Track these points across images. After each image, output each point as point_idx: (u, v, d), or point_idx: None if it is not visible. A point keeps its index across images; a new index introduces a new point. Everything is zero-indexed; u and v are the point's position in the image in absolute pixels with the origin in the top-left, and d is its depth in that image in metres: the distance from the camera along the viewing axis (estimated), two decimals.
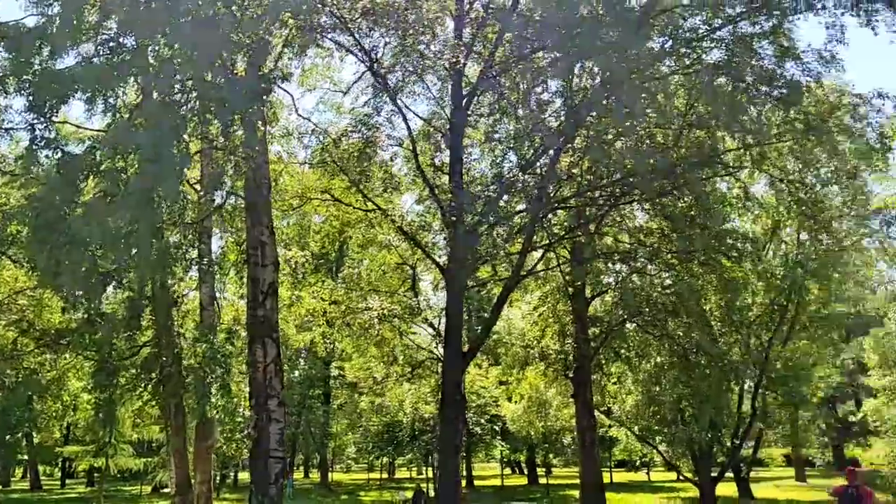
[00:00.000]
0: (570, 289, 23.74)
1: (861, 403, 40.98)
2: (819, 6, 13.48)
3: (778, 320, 26.42)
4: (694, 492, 31.29)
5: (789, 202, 17.72)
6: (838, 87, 15.99)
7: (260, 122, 13.37)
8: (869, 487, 14.45)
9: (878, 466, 31.82)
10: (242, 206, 15.56)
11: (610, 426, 32.96)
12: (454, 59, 15.77)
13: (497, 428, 41.09)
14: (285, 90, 16.57)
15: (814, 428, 37.05)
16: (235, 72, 13.42)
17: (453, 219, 15.94)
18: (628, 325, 23.14)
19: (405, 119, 16.67)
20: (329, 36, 15.87)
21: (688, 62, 15.46)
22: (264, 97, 13.03)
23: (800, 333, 27.65)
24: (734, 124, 14.39)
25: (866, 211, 20.62)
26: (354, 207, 18.57)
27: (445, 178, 17.86)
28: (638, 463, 50.32)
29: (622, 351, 24.51)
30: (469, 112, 17.42)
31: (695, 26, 15.46)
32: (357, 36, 15.29)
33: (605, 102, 14.79)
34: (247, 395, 15.84)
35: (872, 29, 12.77)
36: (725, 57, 14.30)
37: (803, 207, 16.52)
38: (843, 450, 48.32)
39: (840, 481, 31.99)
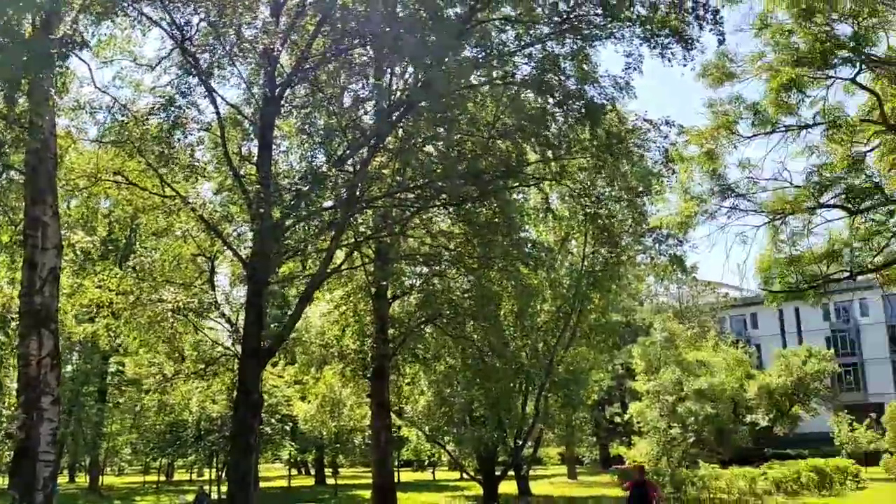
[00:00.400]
0: (372, 289, 23.87)
1: (627, 406, 45.16)
2: (618, 35, 14.67)
3: (562, 327, 28.41)
4: (478, 490, 32.71)
5: (584, 215, 19.10)
6: (632, 111, 17.56)
7: (53, 92, 12.03)
8: (651, 481, 16.28)
9: (639, 463, 35.15)
10: (21, 181, 13.91)
11: (400, 427, 33.58)
12: (270, 46, 15.26)
13: (288, 428, 40.27)
14: (82, 59, 15.04)
15: (586, 428, 40.24)
16: (23, 32, 12.00)
17: (260, 211, 15.40)
18: (427, 327, 23.69)
19: (214, 103, 15.84)
20: (135, 5, 14.69)
21: (497, 75, 16.16)
22: (58, 64, 11.74)
23: (580, 340, 29.89)
24: (539, 138, 15.22)
25: (642, 229, 22.74)
26: (151, 192, 17.30)
27: (253, 168, 17.25)
28: (427, 462, 51.65)
29: (419, 352, 25.05)
30: (282, 103, 16.96)
31: (507, 40, 16.18)
32: (168, 9, 14.28)
33: (421, 105, 15.03)
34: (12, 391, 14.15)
35: (668, 60, 14.17)
36: (535, 73, 15.10)
37: (598, 221, 17.89)
38: (608, 449, 52.87)
39: (606, 478, 34.80)
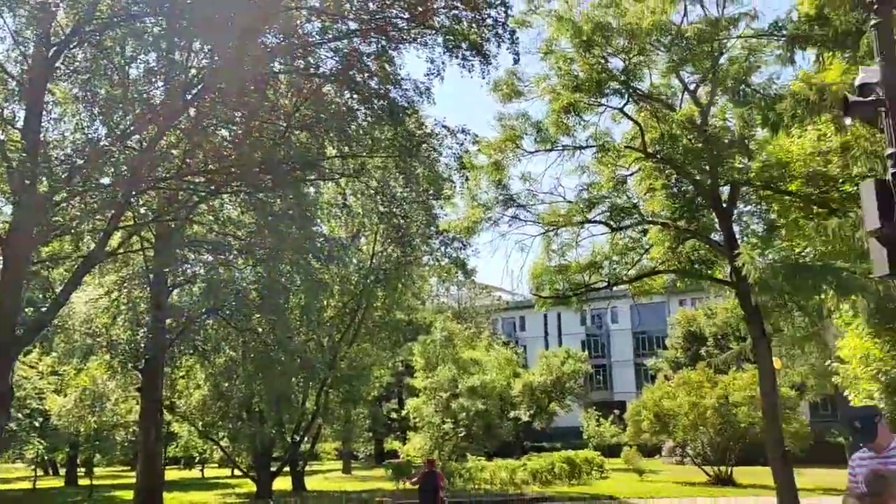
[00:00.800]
0: (151, 275, 22.41)
1: (404, 402, 46.39)
2: (422, 41, 15.15)
3: (348, 323, 28.62)
4: (250, 487, 31.88)
5: (379, 214, 19.39)
6: (430, 116, 18.19)
7: None
8: (440, 472, 17.64)
9: (413, 457, 36.28)
10: None
11: (169, 422, 31.85)
12: None
13: (37, 423, 36.39)
14: None
15: (364, 424, 40.74)
16: None
17: (25, 182, 13.94)
18: (209, 318, 22.69)
19: None
20: None
21: (300, 65, 15.95)
22: None
23: (365, 336, 30.28)
24: (340, 133, 15.26)
25: (431, 231, 23.52)
26: None
27: (17, 134, 15.56)
28: (196, 459, 49.28)
29: (198, 343, 23.91)
30: (57, 65, 15.46)
31: (312, 31, 16.03)
32: None
33: (219, 86, 14.45)
34: None
35: (469, 72, 14.89)
36: (339, 68, 15.12)
37: (393, 220, 18.24)
38: (384, 444, 53.86)
39: (381, 472, 35.47)
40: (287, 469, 32.11)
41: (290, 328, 22.74)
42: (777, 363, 24.47)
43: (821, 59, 17.74)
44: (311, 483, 34.82)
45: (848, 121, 10.78)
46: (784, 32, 17.25)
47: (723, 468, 33.13)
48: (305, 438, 32.04)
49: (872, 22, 8.97)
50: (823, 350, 28.01)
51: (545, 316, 68.71)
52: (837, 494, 22.92)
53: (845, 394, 24.87)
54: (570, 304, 24.80)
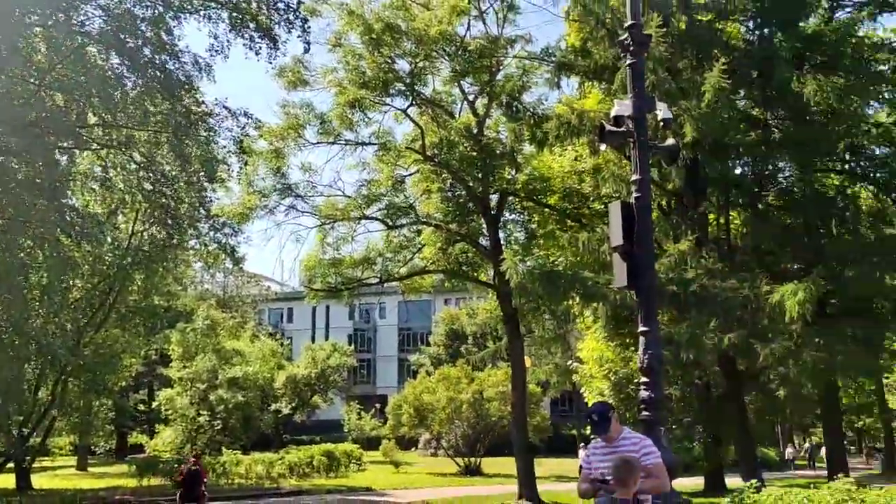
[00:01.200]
0: None
1: (154, 393, 43.59)
2: (205, 14, 14.33)
3: (97, 306, 26.28)
4: None
5: (145, 192, 17.95)
6: (210, 94, 17.22)
7: None
8: (203, 468, 17.64)
9: (161, 452, 34.09)
10: None
11: None
12: None
13: None
14: None
15: (106, 416, 37.55)
16: None
17: None
18: None
19: None
20: None
21: (59, 19, 14.38)
22: None
23: (116, 321, 27.98)
24: (106, 100, 13.94)
25: (200, 214, 22.28)
26: None
27: None
28: None
29: None
30: None
31: None
32: None
33: None
34: None
35: (256, 53, 14.32)
36: (108, 29, 13.83)
37: (161, 200, 16.95)
38: (127, 438, 49.98)
39: (123, 468, 33.28)
40: (11, 466, 28.69)
41: (27, 309, 20.25)
42: (528, 362, 26.51)
43: (582, 87, 19.59)
44: (40, 481, 31.40)
45: (602, 146, 11.94)
46: (553, 59, 18.80)
47: (472, 459, 35.19)
48: (35, 432, 28.87)
49: (627, 61, 10.02)
50: (566, 351, 30.94)
51: (314, 309, 68.18)
52: (570, 480, 25.38)
53: (582, 390, 27.54)
54: (341, 298, 25.04)
